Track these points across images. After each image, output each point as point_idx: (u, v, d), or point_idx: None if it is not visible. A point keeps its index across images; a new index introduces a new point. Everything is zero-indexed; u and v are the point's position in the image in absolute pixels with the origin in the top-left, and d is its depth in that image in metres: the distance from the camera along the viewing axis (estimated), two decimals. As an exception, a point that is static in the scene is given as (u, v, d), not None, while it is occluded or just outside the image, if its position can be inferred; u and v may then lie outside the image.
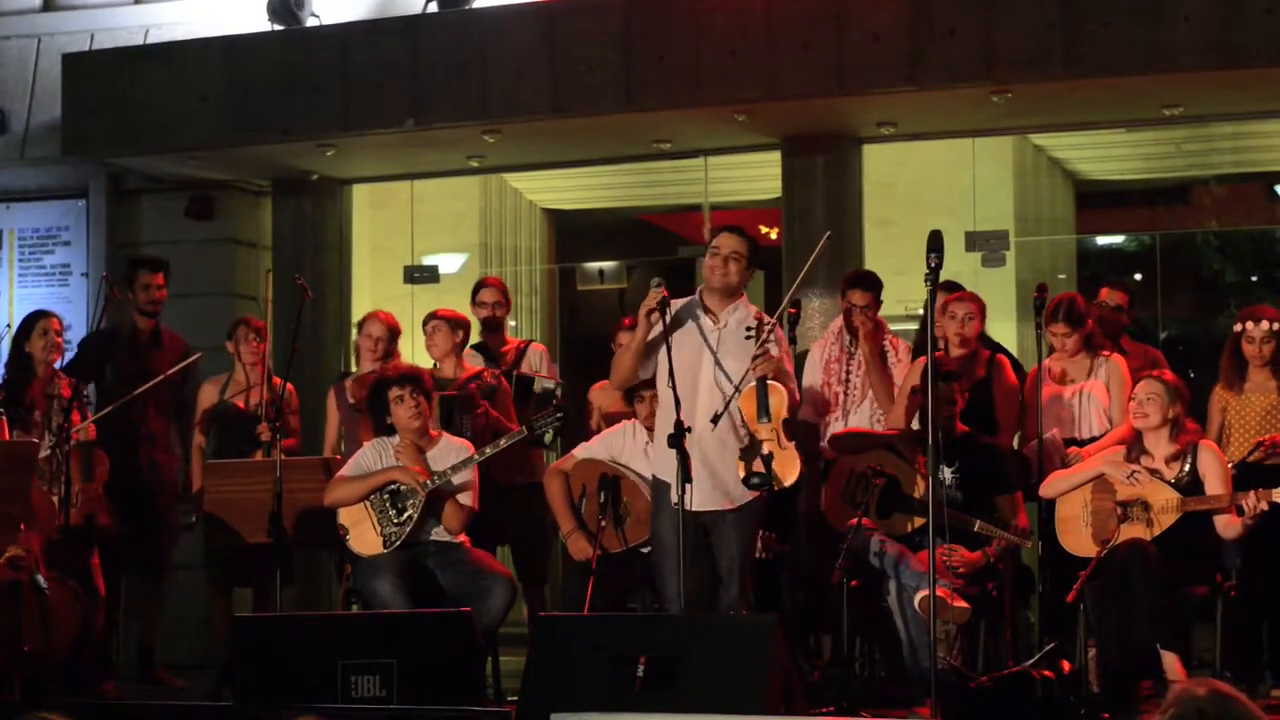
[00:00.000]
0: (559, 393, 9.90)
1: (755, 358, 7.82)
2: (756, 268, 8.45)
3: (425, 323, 9.97)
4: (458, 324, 9.89)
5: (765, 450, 7.78)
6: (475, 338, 10.24)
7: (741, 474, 7.83)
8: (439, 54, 11.68)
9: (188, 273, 12.16)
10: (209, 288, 12.92)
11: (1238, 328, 9.16)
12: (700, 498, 7.77)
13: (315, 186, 13.18)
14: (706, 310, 8.11)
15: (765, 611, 7.96)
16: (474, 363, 10.01)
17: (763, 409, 7.78)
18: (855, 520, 8.32)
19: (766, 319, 8.07)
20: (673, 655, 7.04)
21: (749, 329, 7.91)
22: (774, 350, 7.93)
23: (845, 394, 9.59)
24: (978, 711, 7.46)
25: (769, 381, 7.82)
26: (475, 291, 10.46)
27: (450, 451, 8.95)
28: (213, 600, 10.16)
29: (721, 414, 7.79)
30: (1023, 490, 8.85)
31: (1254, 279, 15.24)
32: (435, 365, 9.83)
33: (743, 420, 7.88)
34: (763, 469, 7.75)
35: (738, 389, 7.83)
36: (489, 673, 8.57)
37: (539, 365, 10.20)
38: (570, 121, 11.69)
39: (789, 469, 7.80)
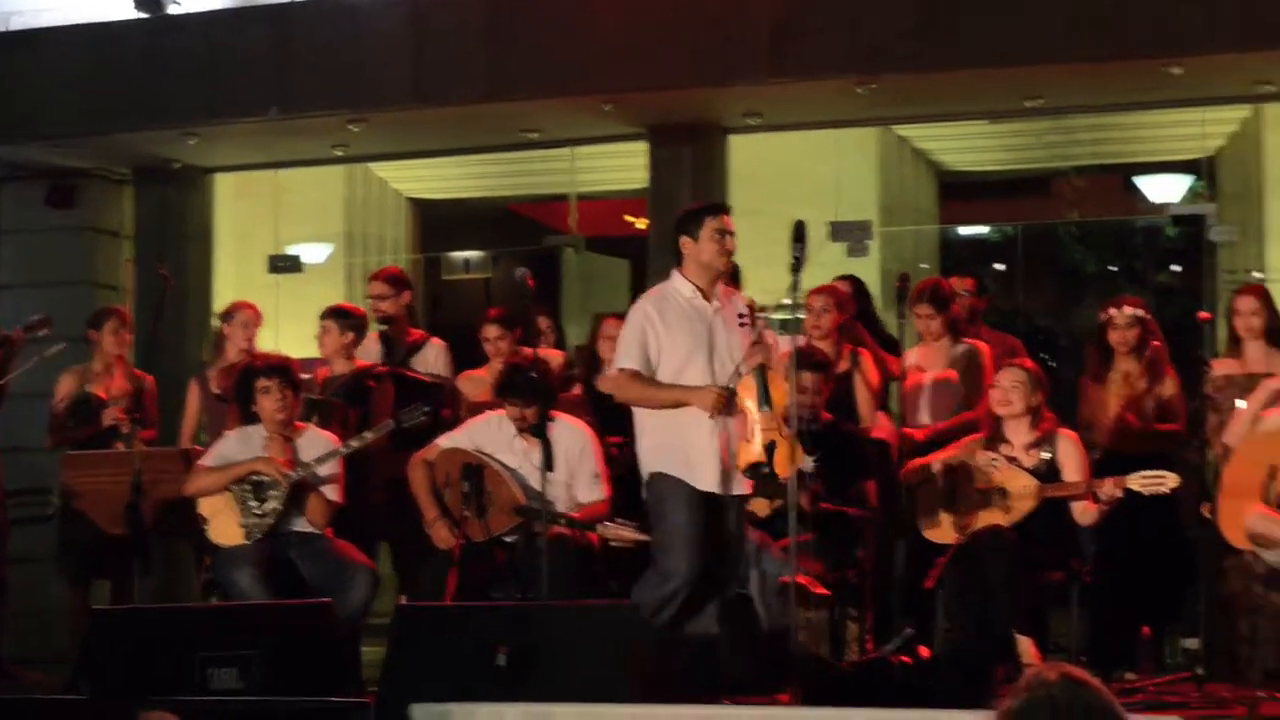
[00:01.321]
0: (438, 391, 9.81)
1: (754, 344, 7.78)
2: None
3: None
4: (349, 322, 9.79)
5: (766, 440, 7.72)
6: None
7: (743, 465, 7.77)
8: (305, 42, 11.63)
9: (48, 261, 12.02)
10: (69, 277, 12.78)
11: (1103, 316, 9.28)
12: (714, 480, 7.73)
13: (178, 175, 13.07)
14: (699, 293, 7.88)
15: (627, 599, 7.95)
16: (372, 354, 9.94)
17: (763, 397, 7.71)
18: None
19: (757, 305, 8.02)
20: (534, 644, 7.02)
21: (742, 314, 7.85)
22: (769, 337, 7.90)
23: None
24: (838, 697, 7.50)
25: (769, 370, 7.77)
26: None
27: (316, 443, 8.88)
28: (70, 593, 10.02)
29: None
30: (884, 477, 8.92)
31: (1113, 269, 15.44)
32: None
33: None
34: (765, 459, 7.70)
35: (739, 372, 7.77)
36: (352, 664, 8.53)
37: (434, 361, 10.12)
38: (436, 111, 11.67)
39: (788, 460, 7.73)
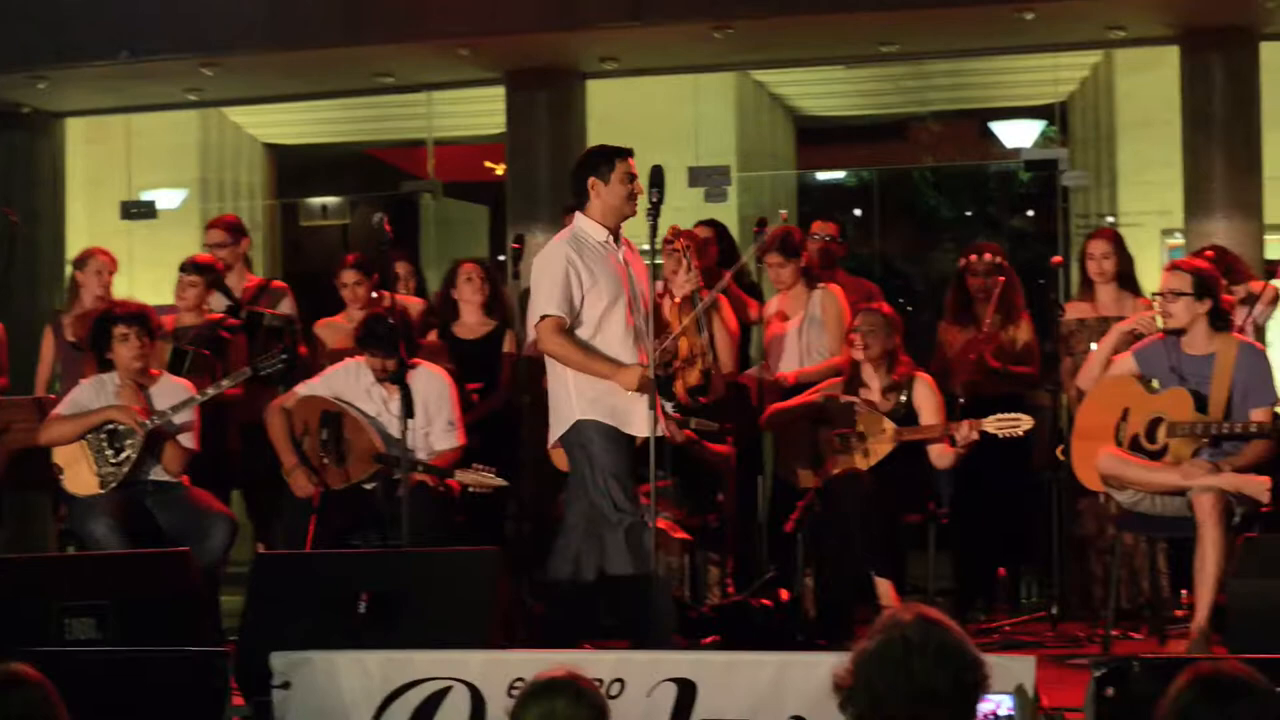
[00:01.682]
0: (291, 330, 9.74)
1: (686, 272, 7.71)
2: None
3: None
4: (211, 277, 9.66)
5: (704, 365, 7.70)
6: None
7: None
8: (155, -16, 11.45)
9: (-108, 209, 11.77)
10: (-86, 224, 12.54)
11: (961, 263, 9.39)
12: (644, 425, 7.46)
13: (27, 120, 12.86)
14: (611, 237, 7.65)
15: (487, 545, 7.94)
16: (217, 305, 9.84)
17: (703, 323, 7.69)
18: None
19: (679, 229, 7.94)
20: (395, 591, 7.00)
21: (669, 242, 7.75)
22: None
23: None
24: (699, 640, 7.55)
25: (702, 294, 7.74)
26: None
27: (171, 391, 8.79)
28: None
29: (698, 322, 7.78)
30: (744, 422, 8.96)
31: (969, 214, 15.59)
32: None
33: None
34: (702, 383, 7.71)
35: (714, 305, 7.73)
36: (211, 613, 8.47)
37: (279, 305, 10.02)
38: (290, 55, 11.56)
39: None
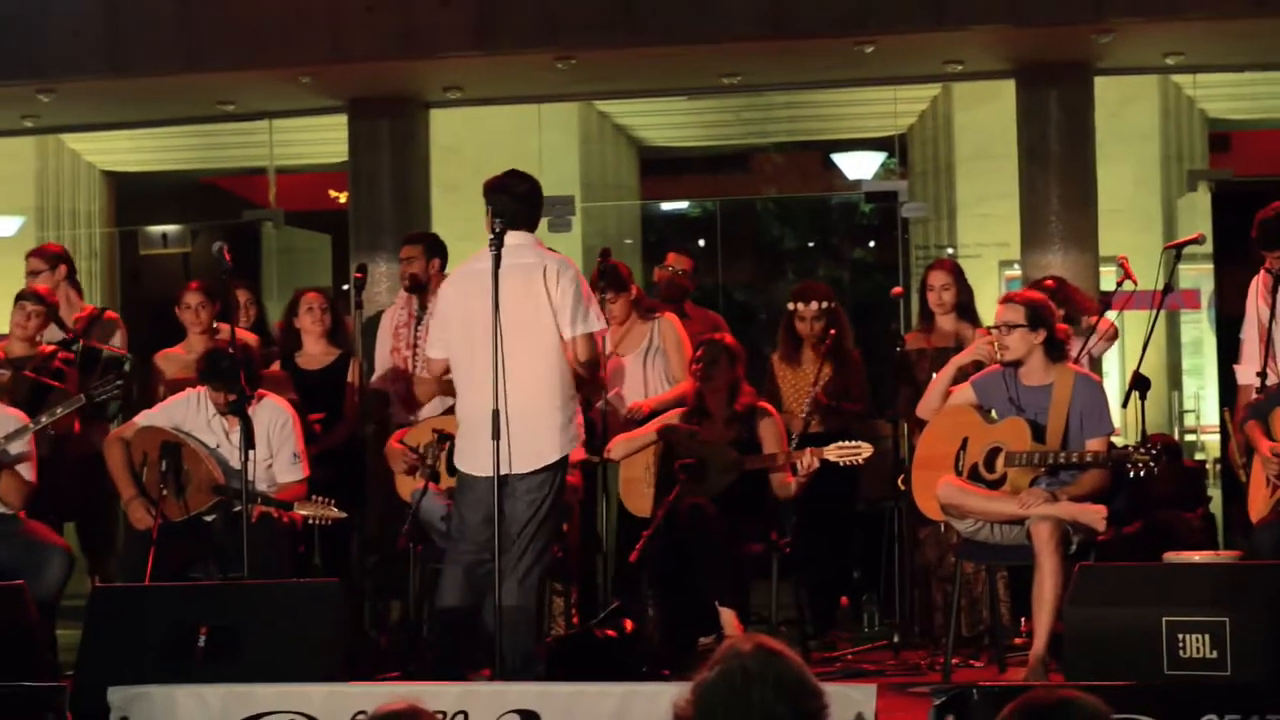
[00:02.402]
0: (127, 365, 9.60)
1: None
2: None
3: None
4: (48, 307, 9.50)
5: None
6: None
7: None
8: (-10, 9, 11.30)
9: None
10: None
11: (791, 306, 9.44)
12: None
13: None
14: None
15: (330, 577, 7.89)
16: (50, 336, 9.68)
17: None
18: (423, 485, 8.33)
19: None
20: (235, 624, 6.95)
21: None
22: None
23: (414, 357, 9.59)
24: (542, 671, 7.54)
25: None
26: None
27: (3, 421, 8.64)
28: None
29: None
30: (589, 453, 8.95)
31: (811, 245, 15.72)
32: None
33: None
34: None
35: None
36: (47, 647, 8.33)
37: (110, 338, 9.88)
38: (129, 82, 11.45)
39: None
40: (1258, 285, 8.29)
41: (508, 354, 7.12)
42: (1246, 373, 8.26)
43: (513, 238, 7.34)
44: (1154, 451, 7.44)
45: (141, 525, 8.42)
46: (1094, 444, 7.69)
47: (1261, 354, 8.12)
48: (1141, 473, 7.45)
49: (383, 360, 9.54)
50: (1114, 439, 7.88)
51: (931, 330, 9.16)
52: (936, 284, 9.20)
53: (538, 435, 7.25)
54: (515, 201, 7.48)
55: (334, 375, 9.44)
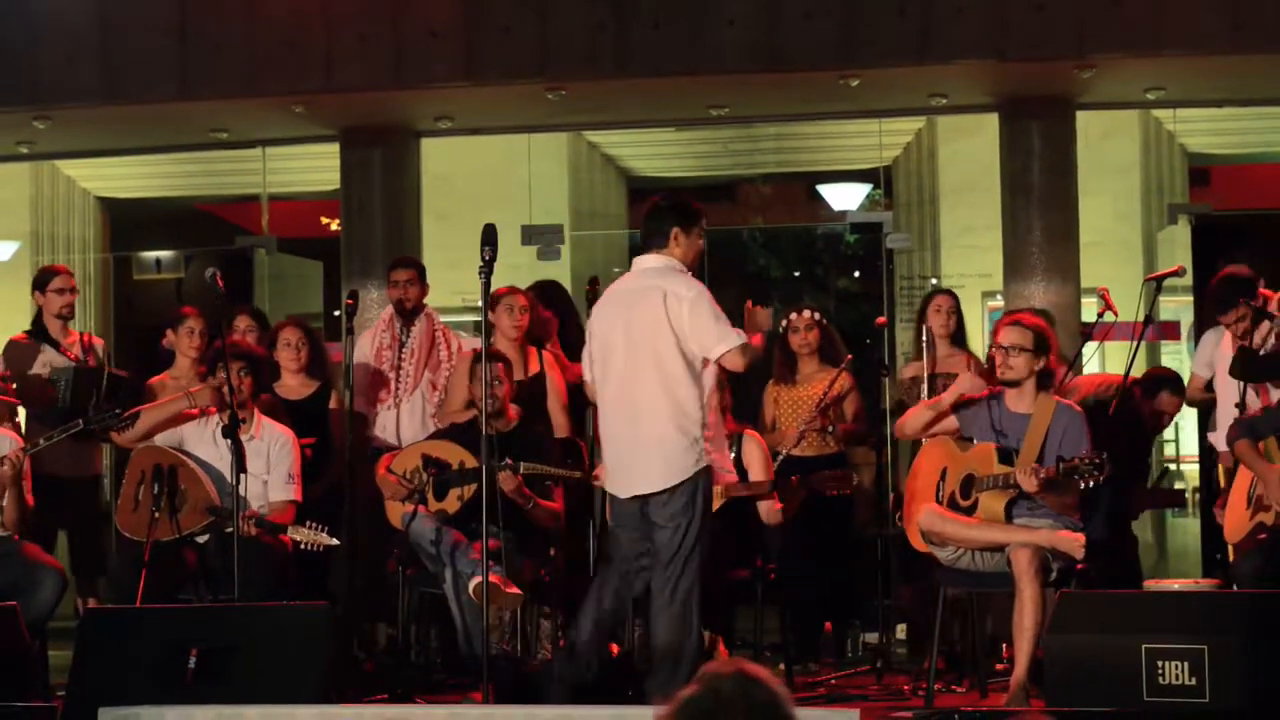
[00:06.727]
0: (123, 388, 9.65)
1: None
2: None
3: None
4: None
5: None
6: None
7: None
8: (-14, 36, 11.37)
9: None
10: None
11: (784, 322, 9.56)
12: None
13: None
14: None
15: (317, 600, 7.95)
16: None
17: None
18: (411, 509, 8.39)
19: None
20: (225, 646, 7.00)
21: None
22: None
23: (397, 381, 9.67)
24: (531, 695, 7.61)
25: None
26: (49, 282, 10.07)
27: (-1, 443, 8.71)
28: None
29: None
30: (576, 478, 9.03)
31: (796, 274, 15.80)
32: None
33: None
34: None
35: None
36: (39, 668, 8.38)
37: (102, 358, 9.95)
38: (125, 109, 11.51)
39: None
40: (1225, 348, 8.54)
41: (634, 375, 7.33)
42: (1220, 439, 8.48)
43: (644, 260, 7.53)
44: (1097, 462, 7.48)
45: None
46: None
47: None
48: (1090, 483, 7.52)
49: (361, 382, 9.56)
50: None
51: (927, 358, 9.23)
52: (944, 308, 9.38)
53: (662, 458, 7.30)
54: (645, 220, 7.66)
55: (315, 404, 9.47)
